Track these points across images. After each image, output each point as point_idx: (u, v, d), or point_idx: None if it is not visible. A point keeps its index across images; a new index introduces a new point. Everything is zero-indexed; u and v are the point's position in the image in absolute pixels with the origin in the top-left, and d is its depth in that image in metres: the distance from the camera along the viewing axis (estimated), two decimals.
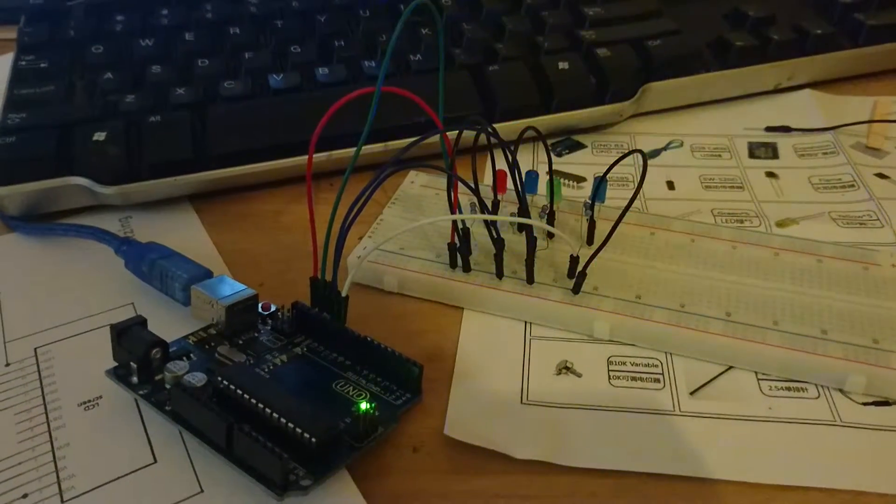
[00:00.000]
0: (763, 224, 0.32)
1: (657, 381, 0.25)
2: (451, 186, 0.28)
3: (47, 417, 0.25)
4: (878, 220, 0.32)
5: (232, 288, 0.27)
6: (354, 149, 0.26)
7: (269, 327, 0.27)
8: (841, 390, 0.25)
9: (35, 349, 0.27)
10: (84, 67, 0.38)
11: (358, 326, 0.26)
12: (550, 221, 0.30)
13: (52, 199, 0.33)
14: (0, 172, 0.32)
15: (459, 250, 0.28)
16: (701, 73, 0.38)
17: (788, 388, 0.25)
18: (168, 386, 0.24)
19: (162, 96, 0.36)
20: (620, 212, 0.26)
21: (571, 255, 0.27)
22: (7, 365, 0.27)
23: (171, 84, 0.36)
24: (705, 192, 0.34)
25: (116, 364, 0.25)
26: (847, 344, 0.25)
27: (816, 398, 0.25)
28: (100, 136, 0.33)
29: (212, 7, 0.42)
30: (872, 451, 0.23)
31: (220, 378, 0.23)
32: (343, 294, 0.26)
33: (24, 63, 0.38)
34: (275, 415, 0.22)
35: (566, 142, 0.37)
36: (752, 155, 0.36)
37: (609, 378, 0.26)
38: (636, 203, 0.31)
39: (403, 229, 0.27)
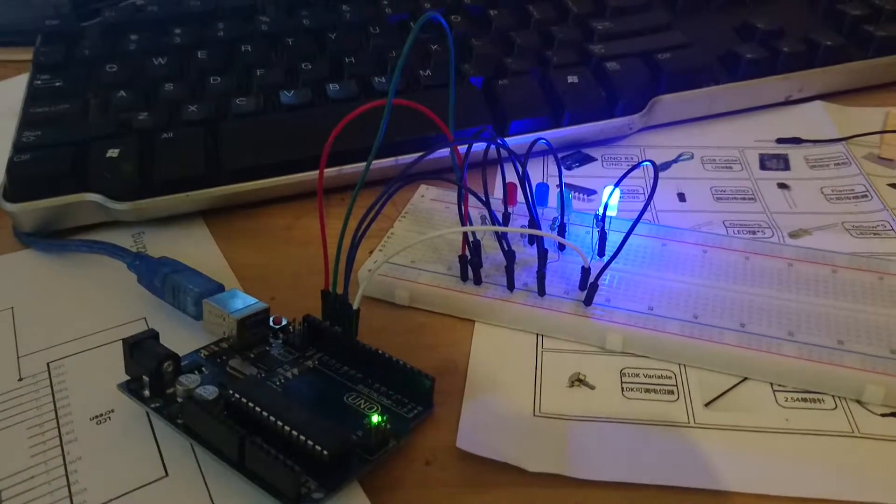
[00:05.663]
0: (776, 235, 0.32)
1: (671, 392, 0.25)
2: (461, 199, 0.28)
3: (59, 431, 0.25)
4: (893, 230, 0.31)
5: (243, 302, 0.27)
6: (365, 163, 0.26)
7: (280, 341, 0.27)
8: (858, 401, 0.25)
9: (48, 364, 0.27)
10: (98, 86, 0.39)
11: (369, 340, 0.26)
12: (561, 233, 0.30)
13: (67, 215, 0.33)
14: (15, 189, 0.33)
15: (470, 263, 0.28)
16: (711, 85, 0.38)
17: (805, 400, 0.25)
18: (180, 399, 0.24)
19: (175, 113, 0.36)
20: (631, 223, 0.26)
21: (583, 267, 0.27)
22: (20, 379, 0.27)
23: (184, 101, 0.37)
24: (717, 203, 0.34)
25: (129, 378, 0.25)
26: (864, 354, 0.25)
27: (833, 409, 0.24)
28: (113, 152, 0.33)
29: (224, 26, 0.42)
30: (891, 463, 0.23)
31: (231, 391, 0.23)
32: (354, 307, 0.26)
33: (39, 82, 0.39)
34: (287, 428, 0.22)
35: (576, 155, 0.37)
36: (763, 166, 0.36)
37: (622, 390, 0.25)
38: (647, 214, 0.31)
39: (414, 242, 0.27)
